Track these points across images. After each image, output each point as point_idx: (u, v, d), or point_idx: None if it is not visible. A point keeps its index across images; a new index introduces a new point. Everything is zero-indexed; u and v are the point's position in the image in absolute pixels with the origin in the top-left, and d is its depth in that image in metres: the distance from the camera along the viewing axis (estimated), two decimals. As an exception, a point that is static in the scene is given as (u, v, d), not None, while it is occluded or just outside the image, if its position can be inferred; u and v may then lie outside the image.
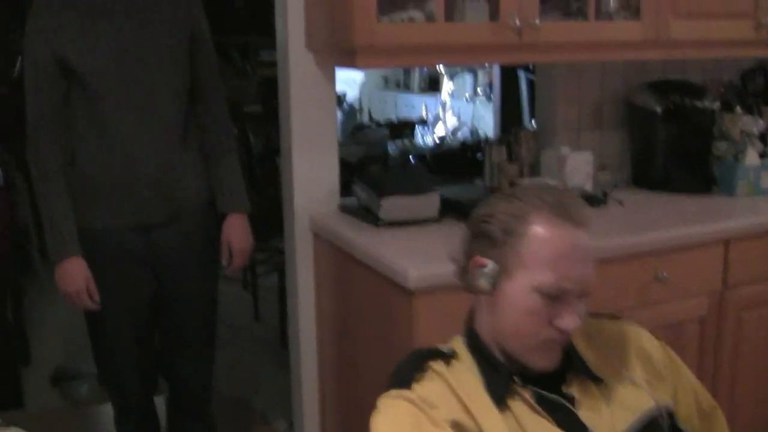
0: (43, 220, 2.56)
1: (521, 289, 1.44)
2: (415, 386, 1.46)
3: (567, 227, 1.44)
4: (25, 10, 2.65)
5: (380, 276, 2.41)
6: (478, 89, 7.02)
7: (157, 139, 2.55)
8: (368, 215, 2.75)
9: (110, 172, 2.53)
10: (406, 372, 1.50)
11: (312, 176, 2.93)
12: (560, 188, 1.57)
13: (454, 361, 1.52)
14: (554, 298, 1.43)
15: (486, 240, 1.48)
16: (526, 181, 3.07)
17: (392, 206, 2.69)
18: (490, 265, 1.47)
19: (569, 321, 1.44)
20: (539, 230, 1.44)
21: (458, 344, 1.57)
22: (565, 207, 1.45)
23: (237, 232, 2.76)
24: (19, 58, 6.98)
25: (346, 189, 2.99)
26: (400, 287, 2.30)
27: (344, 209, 2.91)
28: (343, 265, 2.74)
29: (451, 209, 2.78)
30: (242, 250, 2.78)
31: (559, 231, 1.43)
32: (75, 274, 2.53)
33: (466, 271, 1.53)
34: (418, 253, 2.44)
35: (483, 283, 1.48)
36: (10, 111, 7.02)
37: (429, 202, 2.75)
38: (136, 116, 2.51)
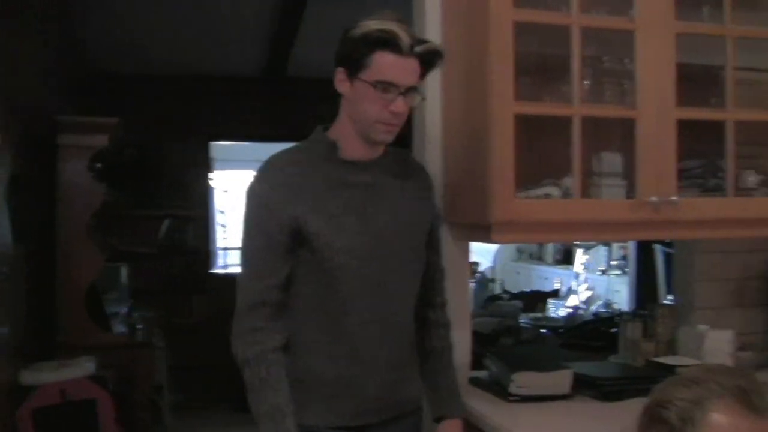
0: (254, 409, 2.18)
1: None
2: None
3: (750, 418, 1.34)
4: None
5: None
6: (613, 262, 6.97)
7: (391, 333, 2.29)
8: (499, 389, 2.71)
9: (334, 365, 2.24)
10: None
11: (444, 348, 2.90)
12: (740, 371, 1.47)
13: None
14: None
15: (663, 427, 1.39)
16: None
17: (524, 381, 2.64)
18: None
19: None
20: (719, 420, 1.34)
21: None
22: (747, 393, 1.35)
23: None
24: (165, 222, 7.30)
25: (477, 360, 2.95)
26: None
27: (474, 382, 2.87)
28: (472, 440, 2.69)
29: (584, 386, 2.71)
30: None
31: (739, 422, 1.34)
32: None
33: None
34: (550, 430, 2.40)
35: None
36: (155, 270, 7.37)
37: (561, 379, 2.69)
38: (371, 303, 2.24)
